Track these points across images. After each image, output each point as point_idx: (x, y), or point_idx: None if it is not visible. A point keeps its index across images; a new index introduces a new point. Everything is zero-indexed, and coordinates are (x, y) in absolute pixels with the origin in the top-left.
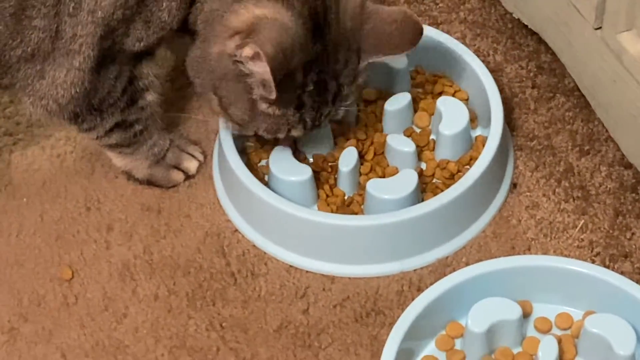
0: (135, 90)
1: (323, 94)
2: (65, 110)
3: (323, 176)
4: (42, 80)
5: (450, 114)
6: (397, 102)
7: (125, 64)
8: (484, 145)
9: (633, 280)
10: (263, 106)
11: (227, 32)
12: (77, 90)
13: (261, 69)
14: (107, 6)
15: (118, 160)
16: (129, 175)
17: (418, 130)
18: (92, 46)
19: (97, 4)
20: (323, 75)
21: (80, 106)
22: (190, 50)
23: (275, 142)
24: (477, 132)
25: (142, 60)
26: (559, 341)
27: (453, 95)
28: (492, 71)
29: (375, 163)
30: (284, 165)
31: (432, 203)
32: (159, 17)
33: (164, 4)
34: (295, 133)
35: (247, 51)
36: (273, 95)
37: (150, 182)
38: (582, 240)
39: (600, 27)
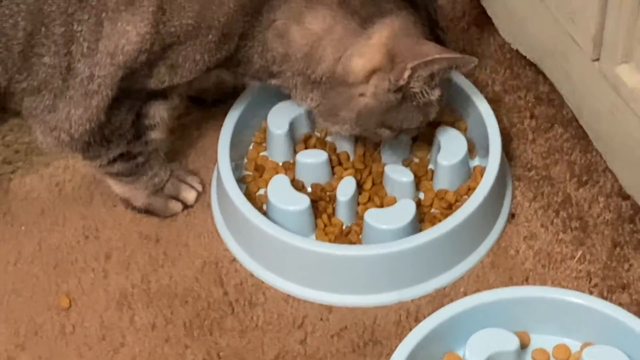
0: (141, 126)
1: (443, 44)
2: (77, 141)
3: (321, 205)
4: (54, 114)
5: (449, 144)
6: None
7: (137, 99)
8: (482, 176)
9: (630, 312)
10: (436, 94)
11: (364, 77)
12: (92, 125)
13: (436, 68)
14: (131, 51)
15: (117, 187)
16: (127, 203)
17: (416, 160)
18: (111, 87)
19: (117, 48)
20: (434, 31)
21: (91, 137)
22: (313, 101)
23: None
24: (476, 162)
25: (152, 100)
26: None
27: (452, 125)
28: (490, 101)
29: (373, 193)
30: (282, 195)
31: (430, 233)
32: (185, 64)
33: (192, 52)
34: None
35: (407, 72)
36: (476, 60)
37: (148, 211)
38: (580, 271)
39: (598, 59)
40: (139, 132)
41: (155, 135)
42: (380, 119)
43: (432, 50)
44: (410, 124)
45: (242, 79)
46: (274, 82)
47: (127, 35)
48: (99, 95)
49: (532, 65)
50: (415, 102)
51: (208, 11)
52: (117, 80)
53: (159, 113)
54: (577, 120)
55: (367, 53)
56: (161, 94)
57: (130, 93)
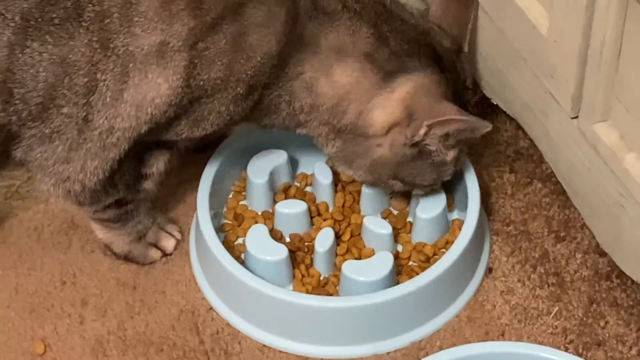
0: (138, 173)
1: (468, 107)
2: (89, 190)
3: (299, 256)
4: (67, 165)
5: (428, 198)
6: None
7: (144, 147)
8: (460, 229)
9: None
10: (451, 155)
11: (383, 130)
12: (106, 175)
13: (451, 128)
14: (161, 104)
15: (101, 233)
16: (107, 249)
17: (395, 213)
18: (130, 140)
19: (145, 100)
20: (460, 94)
21: (101, 185)
22: (334, 147)
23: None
24: (454, 215)
25: (155, 150)
26: None
27: None
28: (470, 155)
29: (351, 244)
30: (261, 244)
31: (408, 286)
32: (209, 116)
33: (218, 105)
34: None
35: (423, 129)
36: (489, 126)
37: (127, 258)
38: (556, 327)
39: (576, 117)
40: (135, 179)
41: (148, 185)
42: (394, 170)
43: (449, 111)
44: (423, 180)
45: (269, 129)
46: (299, 131)
47: (158, 88)
48: (117, 148)
49: (512, 120)
50: (430, 159)
51: (237, 64)
52: (140, 134)
53: (157, 164)
54: (555, 176)
55: (388, 107)
56: (166, 144)
57: (143, 143)
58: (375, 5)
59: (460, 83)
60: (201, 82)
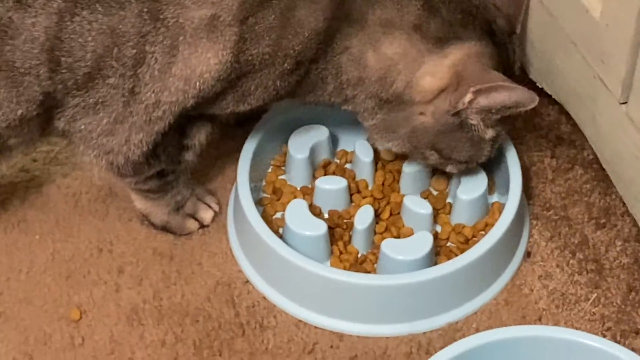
0: (180, 145)
1: None
2: (132, 163)
3: (338, 232)
4: (111, 137)
5: (469, 179)
6: (416, 164)
7: (187, 118)
8: (500, 212)
9: None
10: (490, 133)
11: (431, 95)
12: (149, 147)
13: (498, 98)
14: (209, 79)
15: (140, 202)
16: (145, 219)
17: (435, 193)
18: (175, 114)
19: (194, 74)
20: (509, 73)
21: (145, 157)
22: (375, 119)
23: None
24: (494, 198)
25: (197, 122)
26: None
27: None
28: (512, 139)
29: (390, 223)
30: (300, 219)
31: (446, 267)
32: (255, 91)
33: (265, 80)
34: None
35: (469, 96)
36: (536, 100)
37: (164, 228)
38: (594, 314)
39: (625, 102)
40: (177, 151)
41: (189, 156)
42: (433, 139)
43: (497, 79)
44: (459, 155)
45: (313, 104)
46: (345, 107)
47: (208, 62)
48: (162, 122)
49: (555, 104)
50: (470, 134)
51: (285, 40)
52: (186, 108)
53: (199, 135)
54: (597, 162)
55: (438, 72)
56: (209, 117)
57: (187, 115)
58: None
59: (509, 64)
60: (250, 57)
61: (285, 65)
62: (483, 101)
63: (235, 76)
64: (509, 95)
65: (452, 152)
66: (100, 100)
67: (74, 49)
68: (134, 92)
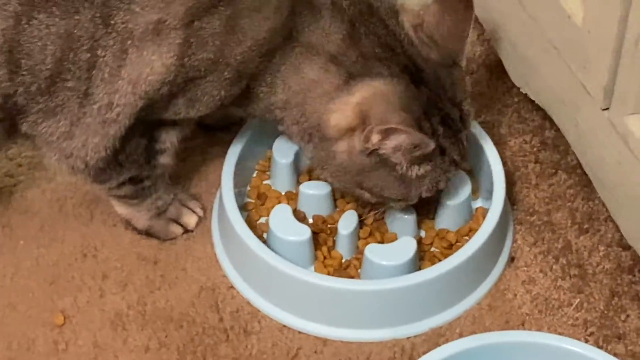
0: (151, 150)
1: (453, 125)
2: (92, 168)
3: (322, 237)
4: (70, 141)
5: (453, 184)
6: None
7: (150, 125)
8: (484, 217)
9: None
10: (415, 171)
11: (338, 133)
12: (108, 152)
13: (400, 140)
14: (154, 82)
15: (121, 208)
16: (129, 224)
17: None
18: (129, 116)
19: (141, 77)
20: (443, 110)
21: (105, 163)
22: (309, 150)
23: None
24: (478, 203)
25: (164, 126)
26: None
27: None
28: (496, 144)
29: (374, 228)
30: (284, 224)
31: (430, 272)
32: (203, 98)
33: (210, 88)
34: (451, 175)
35: (375, 137)
36: (431, 146)
37: (148, 233)
38: (577, 319)
39: (607, 108)
40: (149, 156)
41: (164, 160)
42: (356, 179)
43: (396, 120)
44: (391, 193)
45: (252, 117)
46: (279, 128)
47: (152, 65)
48: (117, 125)
49: (539, 109)
50: (396, 172)
51: (227, 47)
52: (137, 110)
53: (169, 138)
54: (581, 168)
55: (345, 110)
56: (172, 122)
57: (145, 121)
58: (362, 5)
59: (444, 98)
60: (195, 62)
61: (226, 74)
62: (391, 141)
63: (182, 80)
64: (405, 138)
65: (383, 191)
66: (59, 103)
67: (33, 52)
68: (88, 93)
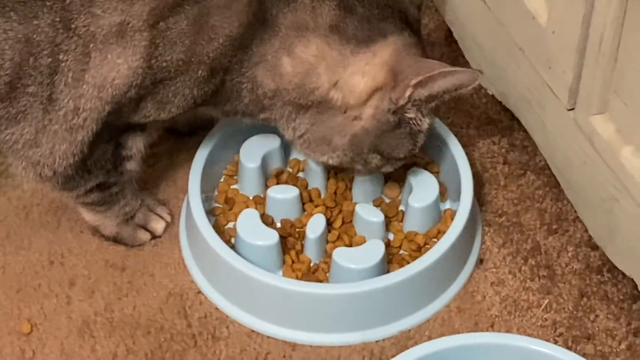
0: (118, 157)
1: None
2: (60, 175)
3: (290, 242)
4: (37, 149)
5: (421, 187)
6: None
7: (116, 130)
8: (452, 219)
9: None
10: (426, 123)
11: (363, 96)
12: (76, 159)
13: (431, 88)
14: (121, 85)
15: (88, 215)
16: (96, 231)
17: (387, 201)
18: (97, 121)
19: (106, 80)
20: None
21: (73, 170)
22: (287, 130)
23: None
24: (447, 205)
25: (131, 132)
26: None
27: (424, 167)
28: (464, 145)
29: (343, 231)
30: (251, 229)
31: (398, 275)
32: (174, 99)
33: (182, 88)
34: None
35: (409, 90)
36: (480, 77)
37: (116, 240)
38: (546, 320)
39: (573, 109)
40: (115, 162)
41: (131, 166)
42: (375, 142)
43: (437, 66)
44: (400, 152)
45: (231, 116)
46: (262, 116)
47: (118, 68)
48: (84, 130)
49: (507, 111)
50: (408, 128)
51: (198, 46)
52: (104, 115)
53: (136, 145)
54: (549, 168)
55: (371, 71)
56: (140, 127)
57: (112, 126)
58: None
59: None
60: (164, 64)
61: (200, 72)
62: (424, 92)
63: (150, 82)
64: (451, 79)
65: (393, 151)
66: (21, 109)
67: None
68: (52, 98)
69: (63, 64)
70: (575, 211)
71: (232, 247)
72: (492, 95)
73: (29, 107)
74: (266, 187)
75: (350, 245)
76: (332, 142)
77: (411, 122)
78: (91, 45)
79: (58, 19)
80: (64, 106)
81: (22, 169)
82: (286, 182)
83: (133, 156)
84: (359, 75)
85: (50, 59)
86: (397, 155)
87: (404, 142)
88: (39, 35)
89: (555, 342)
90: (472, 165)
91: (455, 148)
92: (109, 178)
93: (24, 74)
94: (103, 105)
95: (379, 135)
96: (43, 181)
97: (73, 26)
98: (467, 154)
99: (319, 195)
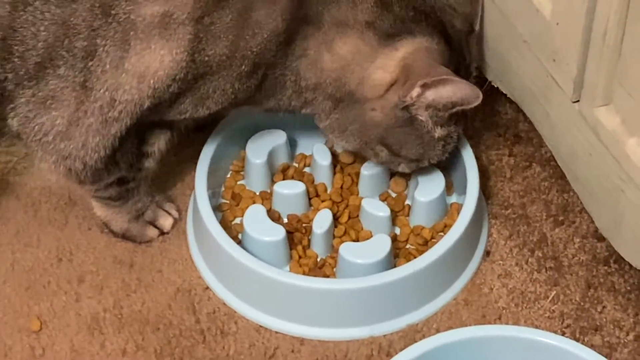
0: (139, 152)
1: None
2: (90, 169)
3: (297, 237)
4: (68, 141)
5: (427, 181)
6: (374, 166)
7: (144, 125)
8: (458, 213)
9: (602, 355)
10: (438, 131)
11: (381, 89)
12: (107, 152)
13: (442, 92)
14: (164, 77)
15: (101, 210)
16: (105, 226)
17: (394, 195)
18: (132, 115)
19: (148, 70)
20: (462, 76)
21: (103, 163)
22: (323, 120)
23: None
24: (453, 199)
25: (156, 129)
26: None
27: None
28: (469, 138)
29: (349, 226)
30: (258, 225)
31: (405, 269)
32: (214, 94)
33: (222, 83)
34: (452, 147)
35: (416, 90)
36: (480, 97)
37: (125, 236)
38: (553, 311)
39: (578, 101)
40: (137, 158)
41: (149, 164)
42: (382, 134)
43: (444, 72)
44: (409, 152)
45: (274, 112)
46: (304, 110)
47: (162, 59)
48: (118, 124)
49: (512, 103)
50: (420, 131)
51: (242, 41)
52: (143, 109)
53: (158, 143)
54: (555, 160)
55: (389, 66)
56: (168, 123)
57: (144, 121)
58: None
59: (464, 66)
60: (206, 58)
61: (243, 67)
62: (430, 95)
63: (191, 77)
64: (454, 89)
65: (402, 149)
66: (50, 94)
67: (26, 38)
68: (86, 87)
69: (100, 48)
70: (581, 203)
71: (239, 242)
72: (497, 88)
73: (59, 92)
74: (273, 182)
75: (357, 240)
76: (347, 129)
77: (423, 125)
78: (131, 33)
79: (97, 5)
80: (99, 97)
81: (53, 163)
82: (292, 178)
83: (153, 154)
84: (380, 69)
85: (85, 42)
86: (406, 154)
87: (414, 143)
88: (76, 18)
89: (563, 334)
90: (478, 157)
91: (461, 141)
92: (129, 172)
93: (56, 55)
94: (142, 98)
95: (386, 128)
96: (72, 175)
97: (113, 12)
98: (472, 146)
99: (326, 190)
